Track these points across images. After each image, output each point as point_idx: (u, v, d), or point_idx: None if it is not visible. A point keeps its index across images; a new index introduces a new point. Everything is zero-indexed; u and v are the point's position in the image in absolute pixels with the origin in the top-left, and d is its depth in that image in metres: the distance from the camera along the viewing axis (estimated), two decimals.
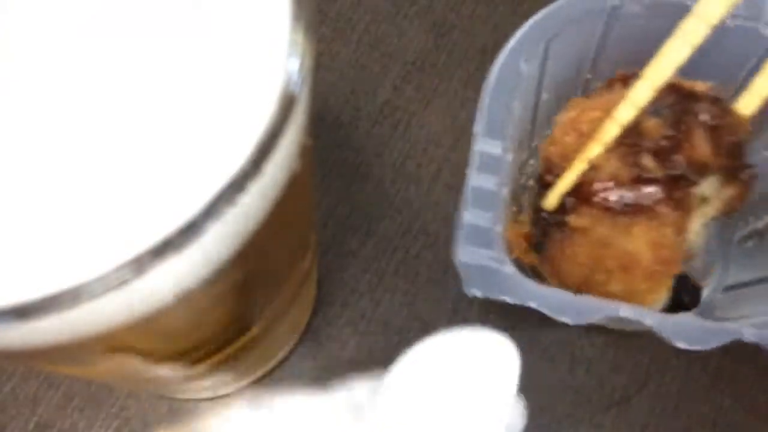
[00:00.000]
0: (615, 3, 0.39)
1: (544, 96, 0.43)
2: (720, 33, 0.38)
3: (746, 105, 0.39)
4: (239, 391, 0.44)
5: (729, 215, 0.41)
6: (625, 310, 0.35)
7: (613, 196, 0.38)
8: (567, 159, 0.39)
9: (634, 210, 0.37)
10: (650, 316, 0.35)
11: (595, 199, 0.38)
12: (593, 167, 0.38)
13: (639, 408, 0.45)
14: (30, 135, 0.18)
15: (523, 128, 0.42)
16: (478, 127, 0.38)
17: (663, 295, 0.40)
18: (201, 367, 0.31)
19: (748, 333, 0.35)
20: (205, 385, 0.39)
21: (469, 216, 0.36)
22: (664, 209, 0.37)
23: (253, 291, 0.26)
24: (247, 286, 0.24)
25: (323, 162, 0.49)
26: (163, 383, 0.35)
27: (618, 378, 0.45)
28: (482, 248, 0.35)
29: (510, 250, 0.42)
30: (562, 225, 0.39)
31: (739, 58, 0.41)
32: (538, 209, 0.41)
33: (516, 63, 0.39)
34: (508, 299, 0.35)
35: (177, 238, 0.17)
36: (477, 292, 0.35)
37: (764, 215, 0.44)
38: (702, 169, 0.37)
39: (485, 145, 0.37)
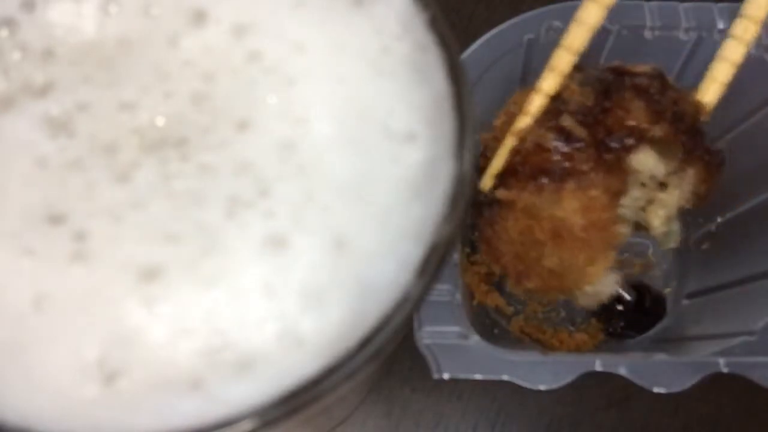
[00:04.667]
0: (531, 36, 0.40)
1: (475, 136, 0.42)
2: (640, 42, 0.40)
3: (707, 92, 0.38)
4: None
5: (699, 205, 0.39)
6: (600, 364, 0.35)
7: (535, 160, 0.36)
8: (499, 140, 0.38)
9: (560, 174, 0.35)
10: (624, 365, 0.35)
11: (519, 169, 0.36)
12: (521, 140, 0.37)
13: (639, 408, 0.45)
14: None
15: None
16: None
17: (603, 270, 0.37)
18: None
19: (723, 364, 0.35)
20: None
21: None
22: (592, 172, 0.35)
23: None
24: None
25: None
26: None
27: (618, 378, 0.45)
28: (444, 325, 0.34)
29: (471, 295, 0.41)
30: (492, 202, 0.38)
31: (662, 64, 0.40)
32: (476, 197, 0.39)
33: None
34: (480, 376, 0.34)
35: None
36: (446, 375, 0.34)
37: (716, 216, 0.45)
38: (637, 135, 0.35)
39: None
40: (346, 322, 0.18)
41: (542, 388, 0.34)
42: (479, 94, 0.39)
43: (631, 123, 0.35)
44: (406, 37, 0.21)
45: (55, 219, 0.18)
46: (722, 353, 0.35)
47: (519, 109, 0.37)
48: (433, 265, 0.18)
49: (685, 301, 0.45)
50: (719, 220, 0.45)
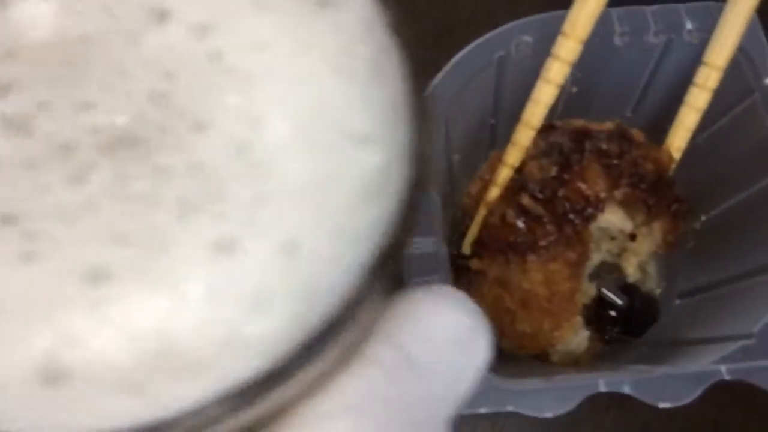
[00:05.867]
0: (501, 54, 0.41)
1: (456, 157, 0.44)
2: (610, 49, 0.41)
3: (675, 138, 0.41)
4: None
5: (671, 250, 0.42)
6: (604, 384, 0.35)
7: (501, 234, 0.39)
8: (476, 207, 0.41)
9: (523, 248, 0.38)
10: (628, 384, 0.35)
11: (487, 241, 0.40)
12: (490, 212, 0.40)
13: (639, 408, 0.44)
14: None
15: (444, 189, 0.43)
16: None
17: (570, 333, 0.40)
18: None
19: (725, 371, 0.35)
20: None
21: None
22: (552, 247, 0.38)
23: None
24: None
25: None
26: None
27: None
28: None
29: None
30: (467, 270, 0.41)
31: (633, 69, 0.43)
32: (455, 257, 0.42)
33: None
34: (485, 410, 0.34)
35: None
36: None
37: (699, 215, 0.45)
38: (595, 204, 0.38)
39: (417, 246, 0.37)
40: (292, 325, 0.18)
41: (548, 415, 0.34)
42: (456, 116, 0.41)
43: (589, 193, 0.38)
44: (369, 39, 0.20)
45: (6, 219, 0.18)
46: (723, 360, 0.35)
47: (491, 175, 0.41)
48: (383, 269, 0.18)
49: (678, 301, 0.45)
50: (703, 218, 0.45)
